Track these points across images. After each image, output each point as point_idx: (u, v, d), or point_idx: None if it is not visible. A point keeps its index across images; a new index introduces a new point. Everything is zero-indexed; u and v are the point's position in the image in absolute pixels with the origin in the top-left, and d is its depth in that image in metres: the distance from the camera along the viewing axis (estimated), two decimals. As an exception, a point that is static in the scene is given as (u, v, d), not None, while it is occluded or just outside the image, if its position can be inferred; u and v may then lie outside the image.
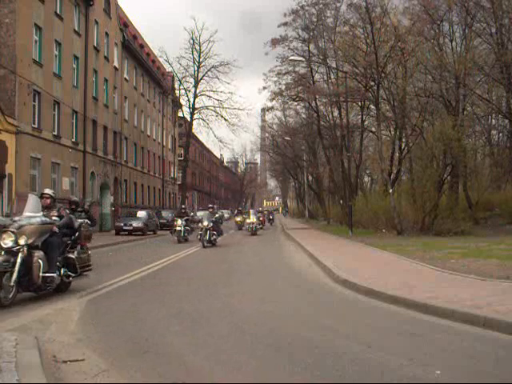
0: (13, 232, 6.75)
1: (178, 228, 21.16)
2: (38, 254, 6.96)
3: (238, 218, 34.99)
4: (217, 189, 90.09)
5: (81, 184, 26.60)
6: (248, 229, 27.62)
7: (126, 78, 35.35)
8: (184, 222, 21.25)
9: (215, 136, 63.61)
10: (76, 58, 26.38)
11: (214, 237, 18.58)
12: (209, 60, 45.34)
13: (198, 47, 45.16)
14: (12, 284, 6.59)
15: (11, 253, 6.67)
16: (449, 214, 20.59)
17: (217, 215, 19.52)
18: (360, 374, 4.12)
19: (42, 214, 7.34)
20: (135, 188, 37.71)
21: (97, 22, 29.26)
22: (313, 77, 32.18)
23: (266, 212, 48.30)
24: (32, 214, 7.18)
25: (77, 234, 8.10)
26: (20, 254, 6.65)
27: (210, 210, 20.10)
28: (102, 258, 13.56)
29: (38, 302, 7.09)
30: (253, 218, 27.78)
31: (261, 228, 31.67)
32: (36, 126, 21.81)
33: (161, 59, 46.58)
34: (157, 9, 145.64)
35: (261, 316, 6.47)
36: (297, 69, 32.30)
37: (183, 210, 22.67)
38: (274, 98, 33.95)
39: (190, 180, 60.53)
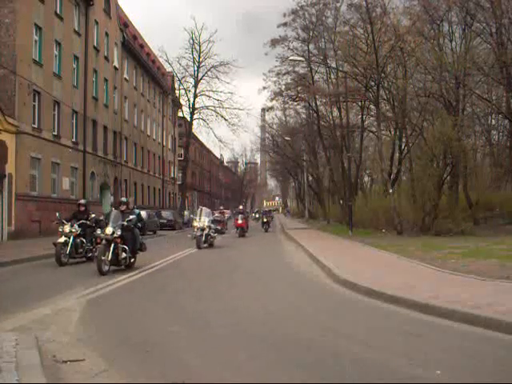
0: None
1: (61, 239, 12.11)
2: None
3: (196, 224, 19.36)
4: (217, 189, 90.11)
5: (81, 184, 26.60)
6: (193, 237, 18.06)
7: (126, 78, 35.35)
8: (79, 230, 12.62)
9: (215, 136, 63.71)
10: (76, 58, 26.37)
11: (125, 255, 10.69)
12: (209, 60, 45.37)
13: (197, 47, 45.19)
14: None
15: None
16: (449, 214, 20.58)
17: (132, 216, 11.24)
18: (360, 374, 4.12)
19: None
20: (135, 188, 37.72)
21: (97, 22, 29.25)
22: (313, 77, 32.22)
23: (265, 211, 37.72)
24: None
25: None
26: None
27: (123, 207, 11.58)
28: None
29: (37, 302, 7.08)
30: (203, 221, 17.85)
31: (243, 235, 24.63)
32: (36, 126, 21.80)
33: (161, 59, 46.63)
34: (157, 9, 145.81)
35: (261, 316, 6.47)
36: (296, 69, 32.38)
37: (82, 208, 13.44)
38: (273, 98, 34.12)
39: (190, 180, 60.52)
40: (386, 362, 4.42)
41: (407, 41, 22.16)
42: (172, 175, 52.77)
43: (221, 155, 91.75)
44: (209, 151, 77.15)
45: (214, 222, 19.43)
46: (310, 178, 51.13)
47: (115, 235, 10.50)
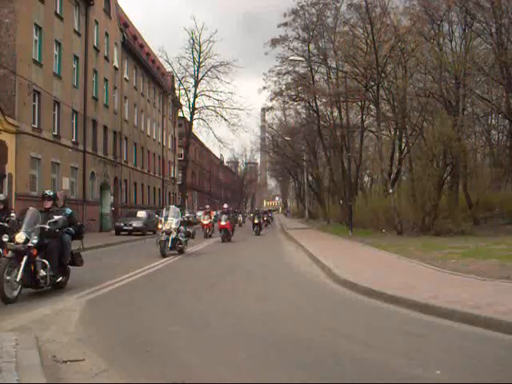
0: None
1: None
2: None
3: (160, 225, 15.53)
4: (217, 189, 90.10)
5: (81, 184, 26.60)
6: (157, 243, 14.48)
7: (126, 78, 35.35)
8: None
9: (215, 136, 63.79)
10: (76, 58, 26.37)
11: (44, 273, 7.56)
12: (209, 60, 45.50)
13: (197, 47, 45.33)
14: None
15: None
16: (449, 214, 20.59)
17: (59, 217, 8.03)
18: (360, 373, 4.12)
19: None
20: (135, 188, 37.71)
21: (97, 22, 29.26)
22: (313, 77, 32.19)
23: (258, 211, 33.78)
24: None
25: None
26: None
27: (47, 204, 8.31)
28: None
29: (37, 303, 7.09)
30: (170, 223, 14.75)
31: (228, 240, 21.23)
32: (36, 126, 21.80)
33: (161, 59, 46.69)
34: (157, 9, 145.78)
35: (261, 316, 6.47)
36: (297, 69, 32.35)
37: (0, 206, 9.94)
38: (274, 98, 34.08)
39: (190, 180, 60.52)
40: (386, 361, 4.42)
41: (407, 41, 22.17)
42: (172, 175, 52.78)
43: (221, 155, 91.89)
44: (209, 151, 77.15)
45: (184, 223, 16.02)
46: (310, 178, 51.12)
47: (30, 244, 7.30)
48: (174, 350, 4.86)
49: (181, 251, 15.24)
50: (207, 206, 26.92)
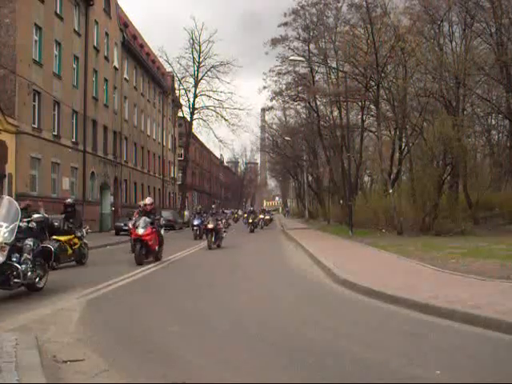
0: None
1: None
2: None
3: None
4: (217, 189, 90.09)
5: (81, 184, 26.60)
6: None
7: (126, 78, 35.35)
8: None
9: (215, 136, 63.68)
10: (76, 58, 26.38)
11: None
12: (209, 60, 45.54)
13: (197, 47, 45.33)
14: None
15: None
16: (449, 214, 20.58)
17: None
18: (360, 373, 4.12)
19: None
20: (135, 188, 37.70)
21: (97, 22, 29.26)
22: (313, 77, 32.19)
23: (213, 212, 19.47)
24: None
25: None
26: None
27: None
28: None
29: (37, 302, 7.08)
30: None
31: (155, 258, 13.07)
32: (36, 126, 21.81)
33: (161, 59, 46.70)
34: (157, 9, 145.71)
35: (261, 316, 6.47)
36: (297, 69, 32.35)
37: None
38: (274, 98, 34.06)
39: (190, 180, 60.52)
40: (386, 362, 4.41)
41: (407, 41, 22.16)
42: (172, 175, 52.77)
43: (221, 155, 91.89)
44: (209, 151, 77.14)
45: (36, 234, 8.06)
46: (310, 178, 51.12)
47: None
48: (175, 350, 4.86)
49: (31, 288, 7.87)
50: (141, 203, 15.42)
